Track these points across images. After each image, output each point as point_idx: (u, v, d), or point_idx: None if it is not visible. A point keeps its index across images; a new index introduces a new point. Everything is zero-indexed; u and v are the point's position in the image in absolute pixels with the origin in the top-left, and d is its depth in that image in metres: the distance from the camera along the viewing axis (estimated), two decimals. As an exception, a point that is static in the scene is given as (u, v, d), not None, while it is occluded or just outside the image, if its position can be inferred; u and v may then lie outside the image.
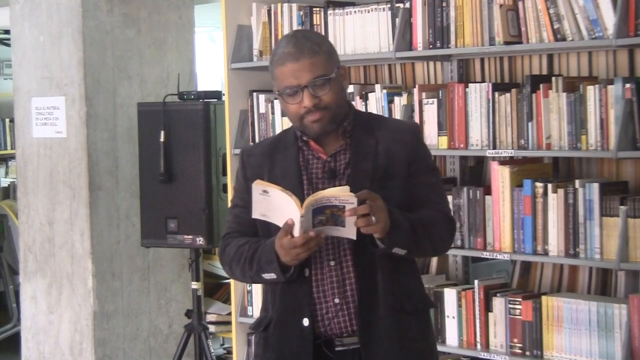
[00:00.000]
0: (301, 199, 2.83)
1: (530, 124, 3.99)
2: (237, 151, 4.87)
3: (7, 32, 7.09)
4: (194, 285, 5.21)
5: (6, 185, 8.29)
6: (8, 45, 6.27)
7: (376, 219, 2.79)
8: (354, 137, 3.00)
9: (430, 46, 4.27)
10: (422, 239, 2.92)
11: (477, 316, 4.14)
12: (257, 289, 4.87)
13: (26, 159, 5.74)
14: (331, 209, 2.81)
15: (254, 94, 4.87)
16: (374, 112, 4.42)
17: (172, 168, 5.08)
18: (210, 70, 9.18)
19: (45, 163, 5.65)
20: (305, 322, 2.94)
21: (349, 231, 2.82)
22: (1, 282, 7.37)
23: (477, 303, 4.14)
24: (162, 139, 5.07)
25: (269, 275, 2.94)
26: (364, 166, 2.97)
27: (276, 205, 2.83)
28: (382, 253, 2.89)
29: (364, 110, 4.39)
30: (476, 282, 4.18)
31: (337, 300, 2.93)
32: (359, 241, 2.86)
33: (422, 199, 2.99)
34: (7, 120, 8.56)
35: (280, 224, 2.84)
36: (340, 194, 2.79)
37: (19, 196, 5.82)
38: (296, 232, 2.81)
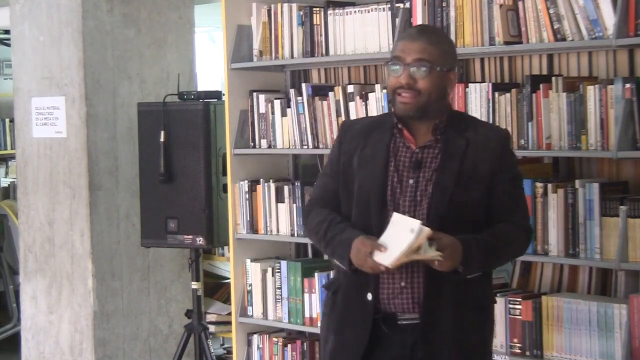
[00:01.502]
0: (384, 183, 3.12)
1: (530, 124, 3.99)
2: (237, 151, 4.88)
3: (7, 32, 7.08)
4: (194, 285, 5.21)
5: (6, 185, 8.29)
6: (8, 45, 6.26)
7: (444, 258, 3.00)
8: (445, 134, 3.17)
9: (430, 46, 4.26)
10: (496, 260, 3.22)
11: (477, 316, 4.13)
12: (257, 290, 4.87)
13: (26, 159, 5.74)
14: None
15: (254, 94, 4.87)
16: (374, 112, 4.42)
17: (172, 168, 5.08)
18: (210, 70, 9.18)
19: (45, 163, 5.65)
20: (369, 296, 3.14)
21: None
22: (1, 282, 7.37)
23: (477, 303, 4.13)
24: (162, 139, 5.07)
25: (339, 263, 3.21)
26: (450, 166, 3.14)
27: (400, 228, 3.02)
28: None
29: (391, 109, 4.40)
30: (476, 282, 4.17)
31: (403, 284, 3.13)
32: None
33: (502, 208, 3.17)
34: (7, 120, 8.55)
35: (385, 242, 3.04)
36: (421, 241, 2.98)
37: (19, 196, 5.82)
38: (386, 260, 3.01)
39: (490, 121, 4.08)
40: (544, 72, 4.24)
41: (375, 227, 3.11)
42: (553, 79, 3.97)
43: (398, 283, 3.13)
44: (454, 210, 3.12)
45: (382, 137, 3.21)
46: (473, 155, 3.15)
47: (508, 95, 4.06)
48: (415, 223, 2.98)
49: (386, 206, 3.15)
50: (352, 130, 3.30)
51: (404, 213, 3.10)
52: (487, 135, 3.21)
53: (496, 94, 4.09)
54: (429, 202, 3.12)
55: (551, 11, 3.92)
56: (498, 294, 4.10)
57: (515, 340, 4.03)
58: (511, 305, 4.05)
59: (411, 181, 3.16)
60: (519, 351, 4.02)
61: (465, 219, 3.14)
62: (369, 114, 4.45)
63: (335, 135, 4.32)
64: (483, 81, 4.32)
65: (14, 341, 6.53)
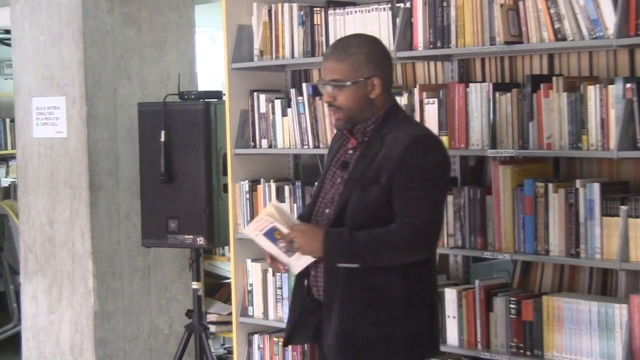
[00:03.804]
0: (323, 182, 3.53)
1: (530, 123, 3.99)
2: (238, 151, 4.88)
3: (7, 32, 7.08)
4: (195, 285, 5.21)
5: (7, 185, 8.29)
6: (9, 45, 6.26)
7: (298, 244, 3.35)
8: (371, 138, 3.40)
9: (431, 46, 4.26)
10: (370, 256, 3.33)
11: (478, 316, 4.13)
12: (257, 290, 4.87)
13: (27, 158, 5.74)
14: (279, 232, 3.42)
15: (255, 93, 4.87)
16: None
17: (173, 168, 5.08)
18: (211, 70, 9.18)
19: (45, 163, 5.65)
20: (305, 282, 3.54)
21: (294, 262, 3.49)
22: (2, 282, 7.37)
23: (477, 303, 4.14)
24: (162, 139, 5.07)
25: None
26: (360, 167, 3.38)
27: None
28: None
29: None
30: (477, 282, 4.17)
31: (313, 273, 3.48)
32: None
33: (398, 210, 3.32)
34: (7, 120, 8.56)
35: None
36: (269, 218, 3.42)
37: (20, 196, 5.82)
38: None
39: (491, 121, 4.08)
40: (545, 72, 4.24)
41: (307, 219, 3.52)
42: (554, 78, 3.97)
43: (311, 271, 3.47)
44: (353, 209, 3.35)
45: (340, 142, 3.54)
46: (382, 157, 3.34)
47: (509, 95, 4.06)
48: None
49: (317, 199, 3.51)
50: (334, 138, 3.64)
51: (324, 207, 3.45)
52: (398, 137, 3.35)
53: (497, 94, 4.09)
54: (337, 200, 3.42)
55: (552, 11, 3.91)
56: (499, 294, 4.10)
57: (516, 340, 4.03)
58: (512, 305, 4.04)
59: (338, 180, 3.45)
60: (519, 351, 4.02)
61: (362, 218, 3.34)
62: (370, 114, 4.45)
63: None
64: (483, 81, 4.32)
65: (14, 341, 6.53)
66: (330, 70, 3.39)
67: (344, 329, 3.39)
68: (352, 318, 3.38)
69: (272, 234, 3.43)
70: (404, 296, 3.39)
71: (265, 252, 3.52)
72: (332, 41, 4.58)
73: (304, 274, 3.52)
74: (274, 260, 3.51)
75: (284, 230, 3.41)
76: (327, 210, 3.46)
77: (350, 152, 3.44)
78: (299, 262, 3.46)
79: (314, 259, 3.42)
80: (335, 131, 3.67)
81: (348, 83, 3.35)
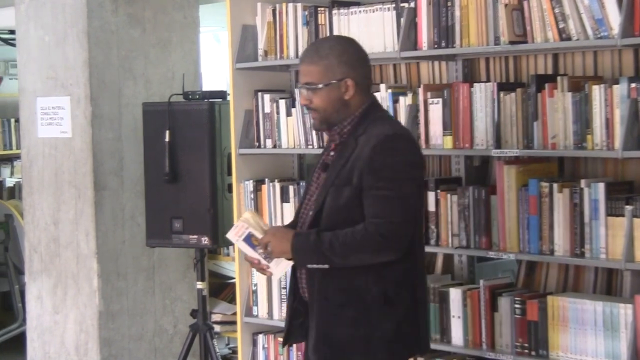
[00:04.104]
0: (309, 184, 3.57)
1: (535, 123, 3.98)
2: (242, 151, 4.88)
3: (12, 32, 7.09)
4: (199, 285, 5.21)
5: (12, 185, 8.30)
6: (14, 45, 6.27)
7: (271, 247, 3.43)
8: (346, 138, 3.44)
9: (435, 46, 4.26)
10: (337, 256, 3.34)
11: (483, 316, 4.13)
12: (262, 289, 4.87)
13: (31, 158, 5.75)
14: (255, 238, 3.51)
15: (259, 93, 4.87)
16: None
17: (177, 168, 5.08)
18: (215, 70, 9.18)
19: (50, 163, 5.65)
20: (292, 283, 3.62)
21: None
22: (7, 282, 7.37)
23: (482, 303, 4.13)
24: (167, 139, 5.07)
25: None
26: (335, 167, 3.43)
27: None
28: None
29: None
30: (481, 281, 4.17)
31: (298, 274, 3.54)
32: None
33: (367, 209, 3.33)
34: (12, 120, 8.56)
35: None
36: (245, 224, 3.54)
37: (24, 196, 5.83)
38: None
39: (496, 121, 4.08)
40: (549, 71, 4.23)
41: (294, 223, 3.58)
42: (558, 78, 3.96)
43: (299, 272, 3.52)
44: (328, 210, 3.39)
45: (328, 143, 3.59)
46: (354, 157, 3.37)
47: (513, 94, 4.06)
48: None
49: (303, 202, 3.56)
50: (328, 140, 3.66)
51: (309, 211, 3.48)
52: (370, 137, 3.38)
53: (501, 94, 4.08)
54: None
55: (556, 10, 3.91)
56: (503, 294, 4.10)
57: (521, 340, 4.03)
58: (516, 305, 4.04)
59: (321, 182, 3.49)
60: (524, 351, 4.02)
61: (338, 220, 3.37)
62: (374, 114, 4.45)
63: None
64: (488, 81, 4.31)
65: (19, 341, 6.53)
66: (304, 73, 3.46)
67: (321, 329, 3.42)
68: (329, 319, 3.41)
69: (250, 240, 3.52)
70: (380, 296, 3.38)
71: (246, 257, 3.58)
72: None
73: (297, 275, 3.57)
74: (258, 263, 3.56)
75: (258, 235, 3.50)
76: (310, 212, 3.49)
77: (332, 153, 3.50)
78: (278, 267, 3.52)
79: (292, 264, 3.48)
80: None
81: (320, 85, 3.41)
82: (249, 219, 3.54)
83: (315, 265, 3.39)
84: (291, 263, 3.50)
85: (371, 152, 3.33)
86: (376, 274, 3.38)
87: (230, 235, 3.59)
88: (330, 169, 3.46)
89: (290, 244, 3.40)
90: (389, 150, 3.34)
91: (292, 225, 3.63)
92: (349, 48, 3.50)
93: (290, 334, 3.62)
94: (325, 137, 4.61)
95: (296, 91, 3.61)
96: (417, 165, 3.44)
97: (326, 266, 3.37)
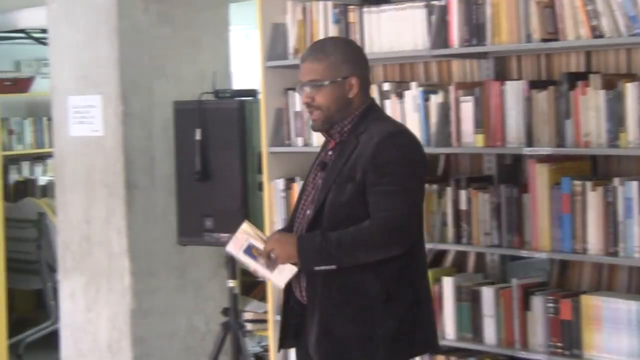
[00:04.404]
0: (306, 182, 3.56)
1: (567, 121, 3.96)
2: (273, 149, 4.88)
3: (44, 31, 7.14)
4: (231, 283, 5.22)
5: (44, 183, 8.35)
6: (45, 44, 6.31)
7: (275, 254, 3.39)
8: (347, 137, 3.45)
9: (467, 43, 4.24)
10: (345, 255, 3.33)
11: (516, 315, 4.11)
12: (293, 288, 4.87)
13: (64, 157, 5.78)
14: (255, 249, 3.49)
15: (289, 92, 4.86)
16: (410, 110, 4.41)
17: (208, 166, 5.09)
18: (246, 69, 9.19)
19: (82, 161, 5.68)
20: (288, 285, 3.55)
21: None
22: (40, 280, 7.43)
23: (515, 302, 4.11)
24: (198, 137, 5.08)
25: None
26: (336, 165, 3.43)
27: None
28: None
29: (398, 108, 4.39)
30: (514, 280, 4.15)
31: (303, 276, 3.47)
32: (311, 229, 3.40)
33: (373, 206, 3.33)
34: (44, 119, 8.61)
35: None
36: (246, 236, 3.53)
37: (57, 194, 5.86)
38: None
39: (528, 119, 4.05)
40: (582, 69, 4.20)
41: (290, 224, 3.56)
42: (591, 76, 3.94)
43: (302, 278, 3.46)
44: (327, 206, 3.38)
45: (324, 145, 3.59)
46: (356, 155, 3.38)
47: (545, 92, 4.03)
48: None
49: (299, 202, 3.54)
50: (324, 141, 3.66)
51: (306, 209, 3.48)
52: (372, 135, 3.39)
53: (533, 92, 4.06)
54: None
55: (588, 8, 3.88)
56: (536, 293, 4.08)
57: (554, 339, 4.00)
58: (550, 304, 4.02)
59: (320, 181, 3.48)
60: (558, 350, 3.99)
61: (338, 216, 3.37)
62: (405, 112, 4.44)
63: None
64: (520, 79, 4.28)
65: (53, 339, 6.57)
66: (308, 71, 3.45)
67: (324, 327, 3.39)
68: (331, 317, 3.39)
69: (250, 252, 3.50)
70: (382, 293, 3.37)
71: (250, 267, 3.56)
72: (366, 39, 4.57)
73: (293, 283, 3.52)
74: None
75: (260, 245, 3.48)
76: (308, 212, 3.48)
77: (330, 152, 3.50)
78: (282, 275, 3.46)
79: (297, 270, 3.41)
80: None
81: (326, 83, 3.41)
82: (248, 230, 3.53)
83: (322, 268, 3.35)
84: (295, 269, 3.42)
85: (375, 148, 3.34)
86: (376, 272, 3.38)
87: (230, 248, 3.57)
88: (330, 167, 3.46)
89: (295, 247, 3.37)
90: (392, 147, 3.36)
91: (286, 230, 3.61)
92: (353, 48, 3.57)
93: (286, 336, 3.59)
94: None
95: (297, 90, 3.59)
96: (420, 162, 3.46)
97: (333, 267, 3.34)
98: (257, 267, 3.51)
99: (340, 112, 3.44)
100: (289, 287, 3.53)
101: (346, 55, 3.47)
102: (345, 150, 3.43)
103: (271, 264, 3.44)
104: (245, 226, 3.55)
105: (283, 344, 3.62)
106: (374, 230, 3.32)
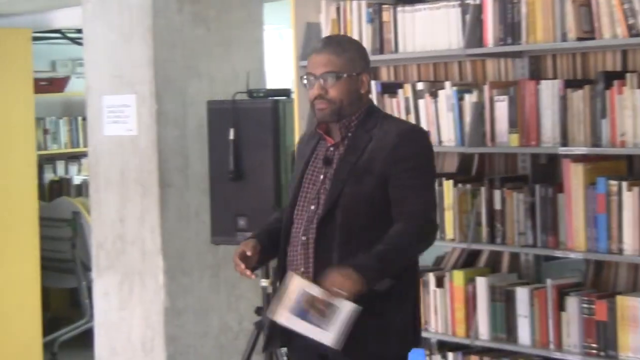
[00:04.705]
0: (301, 179, 3.49)
1: (603, 121, 3.93)
2: (307, 149, 4.88)
3: (79, 31, 7.18)
4: (264, 282, 5.21)
5: (79, 182, 8.40)
6: (80, 44, 6.34)
7: (345, 291, 3.20)
8: (355, 132, 3.45)
9: (501, 42, 4.22)
10: (395, 264, 3.33)
11: (550, 315, 4.09)
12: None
13: (98, 156, 5.81)
14: (308, 300, 3.20)
15: (323, 91, 4.85)
16: (444, 109, 4.40)
17: (242, 166, 5.09)
18: (280, 68, 9.19)
19: (116, 160, 5.70)
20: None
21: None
22: (74, 278, 7.48)
23: (549, 302, 4.09)
24: (231, 137, 5.08)
25: None
26: (349, 159, 3.42)
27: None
28: (342, 245, 3.36)
29: (432, 107, 4.38)
30: (548, 281, 4.13)
31: (302, 269, 3.42)
32: (324, 222, 3.37)
33: (395, 198, 3.35)
34: (79, 118, 8.67)
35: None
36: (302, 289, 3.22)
37: (91, 193, 5.89)
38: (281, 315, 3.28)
39: (563, 118, 4.03)
40: (618, 68, 4.17)
41: (288, 221, 3.50)
42: (627, 75, 3.91)
43: (299, 269, 3.42)
44: (346, 201, 3.37)
45: (312, 142, 3.58)
46: (372, 150, 3.40)
47: (581, 92, 4.00)
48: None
49: (297, 199, 3.50)
50: (302, 141, 3.70)
51: (309, 205, 3.43)
52: (388, 130, 3.43)
53: (568, 91, 4.03)
54: (325, 194, 3.43)
55: (625, 6, 3.85)
56: (571, 293, 4.05)
57: (590, 340, 3.98)
58: (585, 305, 3.99)
59: (321, 176, 3.47)
60: (593, 351, 3.96)
61: (356, 209, 3.37)
62: (439, 111, 4.43)
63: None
64: (555, 78, 4.26)
65: (87, 337, 6.61)
66: (325, 62, 3.45)
67: None
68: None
69: (301, 310, 3.22)
70: (396, 285, 3.38)
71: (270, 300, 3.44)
72: (400, 39, 4.57)
73: (281, 276, 3.45)
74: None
75: (317, 290, 3.20)
76: (312, 207, 3.45)
77: (332, 148, 3.48)
78: (336, 325, 3.19)
79: (351, 316, 3.21)
80: (299, 141, 3.74)
81: (345, 75, 3.43)
82: (300, 279, 3.25)
83: (384, 284, 3.30)
84: (347, 317, 3.19)
85: (397, 143, 3.37)
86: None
87: (281, 314, 3.25)
88: (341, 162, 3.43)
89: (359, 276, 3.21)
90: (414, 142, 3.43)
91: (288, 221, 3.50)
92: (363, 47, 3.65)
93: (271, 339, 3.55)
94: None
95: (305, 81, 3.50)
96: (434, 159, 3.53)
97: (388, 280, 3.31)
98: (309, 329, 3.21)
99: (350, 106, 3.45)
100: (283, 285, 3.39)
101: (359, 52, 3.53)
102: (357, 145, 3.43)
103: (329, 309, 3.20)
104: (296, 276, 3.28)
105: (270, 344, 3.57)
106: (417, 228, 3.35)
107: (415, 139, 3.45)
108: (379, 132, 3.43)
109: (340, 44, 3.52)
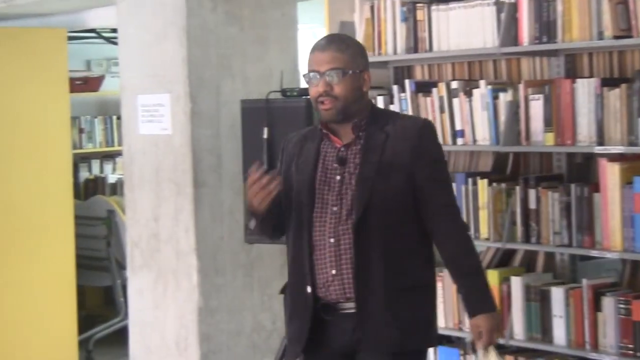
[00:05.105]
0: (313, 182, 3.42)
1: (640, 119, 3.89)
2: (340, 148, 4.87)
3: (114, 30, 7.22)
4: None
5: (114, 181, 8.44)
6: (115, 44, 6.37)
7: (490, 332, 3.33)
8: (367, 131, 3.43)
9: (537, 41, 4.20)
10: (480, 265, 3.47)
11: (586, 316, 4.06)
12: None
13: (132, 155, 5.83)
14: None
15: (357, 90, 4.84)
16: (479, 108, 4.37)
17: (275, 164, 5.08)
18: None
19: (150, 159, 5.72)
20: (308, 289, 3.43)
21: None
22: (109, 276, 7.51)
23: (585, 302, 4.06)
24: (265, 136, 5.08)
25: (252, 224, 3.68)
26: (371, 158, 3.39)
27: None
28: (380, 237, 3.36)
29: (466, 106, 4.36)
30: (584, 281, 4.10)
31: (333, 272, 3.39)
32: (360, 223, 3.34)
33: (429, 195, 3.39)
34: (114, 117, 8.71)
35: None
36: None
37: (126, 192, 5.91)
38: None
39: (599, 117, 4.00)
40: (655, 66, 4.13)
41: (306, 224, 3.43)
42: (664, 73, 3.87)
43: (329, 271, 3.39)
44: (376, 198, 3.37)
45: (313, 144, 3.52)
46: (392, 146, 3.39)
47: (617, 90, 3.97)
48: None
49: (313, 203, 3.44)
50: (291, 142, 3.65)
51: (331, 207, 3.39)
52: (405, 126, 3.44)
53: (605, 90, 4.00)
54: (352, 193, 3.39)
55: (663, 4, 3.81)
56: (607, 294, 4.02)
57: (626, 340, 3.95)
58: (621, 305, 3.96)
59: (338, 177, 3.44)
60: (630, 352, 3.93)
61: (389, 206, 3.38)
62: (473, 110, 4.41)
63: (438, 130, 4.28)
64: (591, 76, 4.23)
65: (122, 335, 6.65)
66: (329, 59, 3.44)
67: (390, 314, 3.35)
68: (397, 303, 3.36)
69: None
70: (431, 277, 3.47)
71: None
72: (435, 37, 4.55)
73: (308, 283, 3.42)
74: None
75: (492, 352, 3.36)
76: (334, 208, 3.42)
77: (343, 149, 3.45)
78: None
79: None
80: (283, 143, 3.71)
81: (350, 72, 3.41)
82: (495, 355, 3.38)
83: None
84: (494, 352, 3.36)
85: (419, 138, 3.40)
86: (424, 256, 3.44)
87: None
88: (363, 161, 3.40)
89: (492, 311, 3.38)
90: (434, 135, 3.48)
91: (308, 225, 3.48)
92: (363, 45, 3.65)
93: (287, 352, 3.57)
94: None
95: (309, 79, 3.50)
96: None
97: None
98: None
99: (355, 103, 3.44)
100: (310, 295, 3.41)
101: (361, 50, 3.54)
102: (375, 144, 3.41)
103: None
104: (492, 353, 3.37)
105: (286, 356, 3.62)
106: (464, 230, 3.45)
107: (433, 132, 3.49)
108: (394, 129, 3.42)
109: (344, 40, 3.53)
